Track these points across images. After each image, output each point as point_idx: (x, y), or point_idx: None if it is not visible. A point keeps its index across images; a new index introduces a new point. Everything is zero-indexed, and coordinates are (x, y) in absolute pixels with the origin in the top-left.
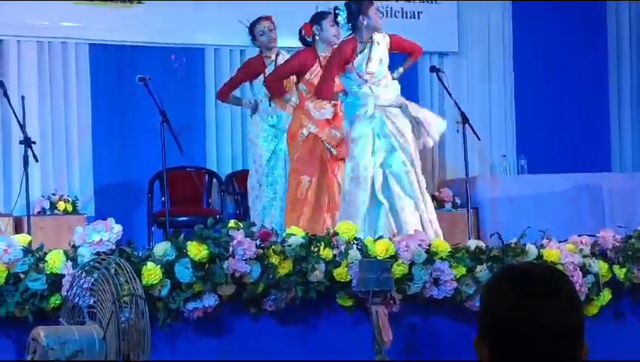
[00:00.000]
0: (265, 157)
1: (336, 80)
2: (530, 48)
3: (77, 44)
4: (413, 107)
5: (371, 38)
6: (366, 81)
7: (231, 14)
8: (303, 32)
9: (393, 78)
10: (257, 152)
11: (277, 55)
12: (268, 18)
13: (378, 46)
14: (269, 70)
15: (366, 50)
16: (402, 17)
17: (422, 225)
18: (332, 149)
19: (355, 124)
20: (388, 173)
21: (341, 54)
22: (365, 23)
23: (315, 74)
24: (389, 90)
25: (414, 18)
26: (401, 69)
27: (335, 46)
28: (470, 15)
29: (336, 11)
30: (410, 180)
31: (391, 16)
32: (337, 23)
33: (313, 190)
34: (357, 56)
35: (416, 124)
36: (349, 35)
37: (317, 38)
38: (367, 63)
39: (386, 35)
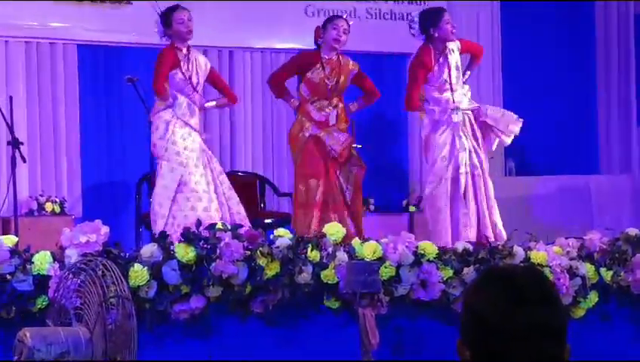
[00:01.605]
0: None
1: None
2: (519, 49)
3: (65, 45)
4: (485, 109)
5: (446, 46)
6: (446, 88)
7: (219, 15)
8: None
9: (464, 83)
10: None
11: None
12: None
13: (453, 53)
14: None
15: (442, 59)
16: (391, 19)
17: (489, 229)
18: (335, 153)
19: (437, 129)
20: (464, 175)
21: (421, 64)
22: (436, 34)
23: (317, 73)
24: (464, 94)
25: (403, 20)
26: (468, 72)
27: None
28: (459, 16)
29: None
30: (479, 184)
31: (380, 18)
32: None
33: (321, 192)
34: (435, 64)
35: (486, 128)
36: (424, 44)
37: (322, 41)
38: (442, 71)
39: (456, 40)
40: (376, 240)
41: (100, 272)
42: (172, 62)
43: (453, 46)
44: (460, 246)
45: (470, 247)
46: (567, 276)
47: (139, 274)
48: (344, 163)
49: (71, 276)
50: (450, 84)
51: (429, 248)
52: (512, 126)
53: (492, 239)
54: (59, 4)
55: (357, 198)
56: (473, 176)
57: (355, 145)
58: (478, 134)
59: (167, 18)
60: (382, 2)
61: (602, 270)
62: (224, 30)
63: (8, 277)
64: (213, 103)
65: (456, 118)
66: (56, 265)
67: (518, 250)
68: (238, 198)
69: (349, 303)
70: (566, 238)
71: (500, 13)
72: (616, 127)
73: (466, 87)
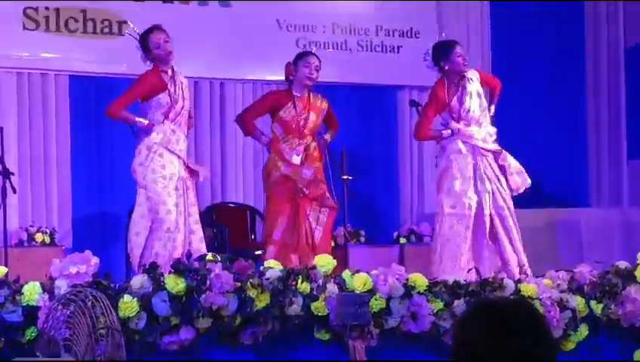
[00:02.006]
0: None
1: (313, 116)
2: (509, 84)
3: (57, 76)
4: (503, 156)
5: (463, 76)
6: (463, 119)
7: (211, 47)
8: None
9: (490, 120)
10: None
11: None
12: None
13: (472, 82)
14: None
15: (461, 89)
16: (382, 51)
17: (517, 268)
18: (304, 189)
19: (454, 160)
20: (488, 216)
21: (435, 98)
22: (447, 67)
23: (288, 111)
24: (486, 130)
25: (394, 52)
26: (492, 108)
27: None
28: (448, 17)
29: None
30: (509, 224)
31: (371, 51)
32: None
33: (281, 230)
34: (452, 95)
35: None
36: (439, 77)
37: (293, 77)
38: (463, 101)
39: (474, 70)
40: (367, 272)
41: (89, 303)
42: (156, 87)
43: (472, 75)
44: (450, 278)
45: (461, 280)
46: (558, 309)
47: (128, 305)
48: (315, 200)
49: (60, 307)
50: (473, 114)
51: (420, 280)
52: (521, 186)
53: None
54: (51, 35)
55: (326, 239)
56: (501, 217)
57: (346, 177)
58: (501, 177)
59: (144, 42)
60: (373, 35)
61: (592, 303)
62: (215, 61)
63: None
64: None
65: (466, 150)
66: (46, 296)
67: (509, 283)
68: (202, 235)
69: (339, 335)
70: (556, 271)
71: (490, 47)
72: (607, 161)
73: (493, 129)
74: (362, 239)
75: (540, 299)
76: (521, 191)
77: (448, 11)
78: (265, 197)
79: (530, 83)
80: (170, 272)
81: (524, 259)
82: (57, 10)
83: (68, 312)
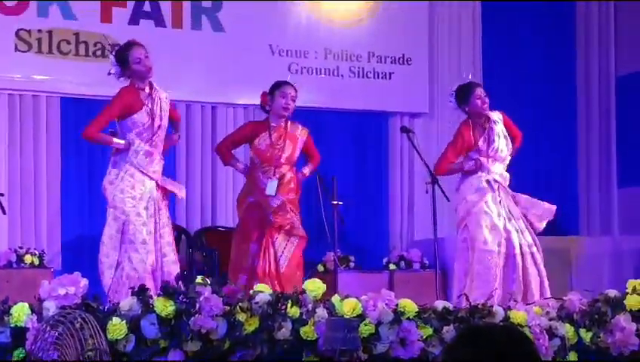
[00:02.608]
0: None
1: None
2: (501, 109)
3: (48, 98)
4: (519, 198)
5: (488, 117)
6: (491, 157)
7: (202, 71)
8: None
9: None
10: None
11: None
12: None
13: (497, 123)
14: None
15: (487, 129)
16: (374, 78)
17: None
18: (270, 217)
19: (482, 196)
20: (519, 256)
21: (460, 138)
22: (467, 109)
23: (262, 140)
24: (505, 172)
25: (386, 79)
26: (509, 157)
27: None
28: (442, 76)
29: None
30: (537, 260)
31: (363, 77)
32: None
33: (251, 257)
34: (479, 136)
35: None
36: (465, 119)
37: (269, 107)
38: (492, 140)
39: (498, 112)
40: (356, 298)
41: (78, 325)
42: (133, 105)
43: (496, 117)
44: (439, 304)
45: (450, 306)
46: (547, 336)
47: (117, 327)
48: (283, 229)
49: (49, 328)
50: (501, 153)
51: (409, 306)
52: (545, 217)
53: None
54: (43, 57)
55: (294, 266)
56: (531, 254)
57: (336, 203)
58: (521, 216)
59: (122, 57)
60: (365, 61)
61: (582, 331)
62: (208, 85)
63: None
64: (178, 133)
65: (504, 196)
66: (35, 317)
67: (498, 310)
68: (175, 258)
69: (328, 360)
70: (545, 299)
71: (482, 74)
72: (597, 189)
73: (507, 175)
74: (352, 265)
75: (530, 327)
76: (548, 219)
77: (440, 38)
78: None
79: (520, 110)
80: (158, 295)
81: (548, 294)
82: (50, 32)
83: (56, 334)
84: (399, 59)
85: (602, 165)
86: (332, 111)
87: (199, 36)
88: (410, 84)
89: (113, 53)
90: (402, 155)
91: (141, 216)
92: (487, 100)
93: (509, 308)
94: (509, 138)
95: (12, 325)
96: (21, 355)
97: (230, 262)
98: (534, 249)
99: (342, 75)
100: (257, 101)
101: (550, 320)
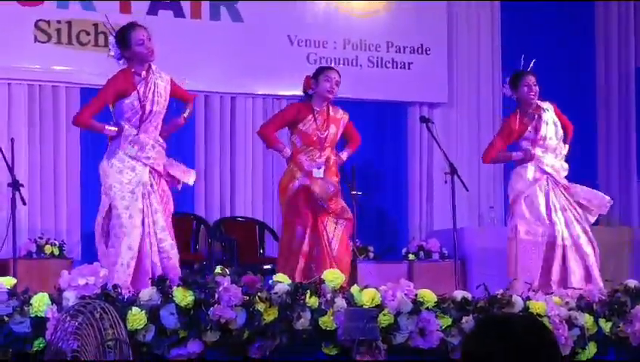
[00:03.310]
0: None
1: (334, 129)
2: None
3: (67, 88)
4: (573, 191)
5: (538, 106)
6: (540, 146)
7: (222, 61)
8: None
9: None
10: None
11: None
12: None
13: (548, 111)
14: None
15: (535, 117)
16: (393, 67)
17: None
18: (323, 203)
19: (529, 186)
20: (562, 244)
21: (506, 128)
22: (516, 97)
23: (309, 124)
24: (560, 163)
25: (405, 68)
26: (567, 147)
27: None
28: (461, 66)
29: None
30: (585, 251)
31: (381, 67)
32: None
33: (307, 242)
34: (526, 124)
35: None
36: (514, 109)
37: (313, 91)
38: (539, 128)
39: (548, 103)
40: (375, 288)
41: (97, 315)
42: (124, 90)
43: (546, 106)
44: (458, 294)
45: (469, 296)
46: (566, 326)
47: (137, 317)
48: (332, 214)
49: (69, 318)
50: (550, 142)
51: (428, 296)
52: (603, 209)
53: None
54: (62, 48)
55: (344, 249)
56: (576, 245)
57: (355, 193)
58: (575, 206)
59: (123, 38)
60: (384, 51)
61: (601, 321)
62: (226, 76)
63: (6, 318)
64: (188, 112)
65: (539, 175)
66: (55, 307)
67: (517, 300)
68: (173, 242)
69: (347, 350)
70: (565, 289)
71: (501, 64)
72: (616, 180)
73: (566, 165)
74: (371, 255)
75: (549, 317)
76: (604, 211)
77: (459, 27)
78: (281, 210)
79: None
80: (178, 285)
81: (601, 285)
82: (69, 23)
83: (76, 324)
84: (418, 49)
85: (621, 155)
86: (351, 102)
87: (218, 27)
88: (429, 73)
89: (114, 34)
90: (421, 145)
91: (125, 199)
92: (536, 89)
93: (529, 299)
94: (559, 127)
95: (32, 315)
96: (41, 345)
97: (281, 247)
98: (582, 240)
99: (360, 65)
100: (276, 91)
101: (570, 310)
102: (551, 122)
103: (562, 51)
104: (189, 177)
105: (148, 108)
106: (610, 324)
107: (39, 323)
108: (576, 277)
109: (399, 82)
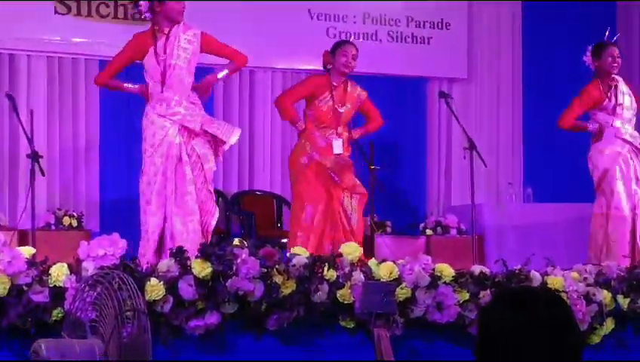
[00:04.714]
0: None
1: (349, 107)
2: (541, 76)
3: (87, 60)
4: None
5: (613, 77)
6: (618, 116)
7: (241, 35)
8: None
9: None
10: None
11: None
12: None
13: (621, 83)
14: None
15: (613, 88)
16: (412, 42)
17: None
18: (336, 178)
19: (614, 161)
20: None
21: (586, 94)
22: (597, 64)
23: (325, 101)
24: (634, 131)
25: (424, 43)
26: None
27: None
28: (480, 41)
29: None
30: None
31: (401, 41)
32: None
33: (319, 218)
34: (608, 91)
35: None
36: (594, 77)
37: (331, 66)
38: (617, 97)
39: (619, 78)
40: (393, 261)
41: (116, 285)
42: (142, 49)
43: (619, 78)
44: (476, 269)
45: (487, 271)
46: (584, 302)
47: (155, 288)
48: (347, 188)
49: (87, 288)
50: (627, 112)
51: (446, 270)
52: None
53: None
54: (81, 20)
55: (361, 223)
56: None
57: (374, 168)
58: None
59: None
60: (403, 26)
61: (619, 297)
62: (246, 49)
63: (25, 288)
64: (225, 72)
65: (621, 148)
66: (73, 278)
67: (535, 275)
68: (194, 206)
69: (364, 323)
70: (583, 264)
71: (521, 40)
72: None
73: (637, 134)
74: (388, 230)
75: (567, 292)
76: None
77: (479, 3)
78: (291, 184)
79: (562, 72)
80: (196, 256)
81: None
82: None
83: (95, 294)
84: (438, 23)
85: None
86: (370, 76)
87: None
88: (449, 49)
89: None
90: (440, 121)
91: (158, 164)
92: (619, 61)
93: (546, 274)
94: (633, 98)
95: (51, 285)
96: (60, 315)
97: (292, 225)
98: None
99: (380, 40)
100: (295, 65)
101: (588, 285)
102: (626, 92)
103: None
104: (233, 135)
105: (168, 61)
106: (628, 300)
107: (58, 293)
108: None
109: (418, 57)
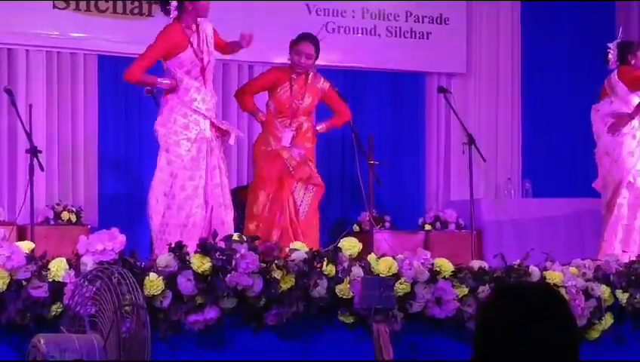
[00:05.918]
0: None
1: (309, 98)
2: (539, 71)
3: (86, 55)
4: None
5: None
6: None
7: (239, 30)
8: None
9: None
10: None
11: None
12: None
13: None
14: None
15: None
16: (411, 37)
17: None
18: (290, 169)
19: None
20: None
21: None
22: (633, 62)
23: (284, 92)
24: None
25: (423, 38)
26: None
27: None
28: (479, 36)
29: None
30: None
31: (400, 36)
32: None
33: (268, 206)
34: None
35: None
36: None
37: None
38: None
39: None
40: (392, 257)
41: (115, 280)
42: (178, 44)
43: None
44: (475, 264)
45: (486, 266)
46: (583, 297)
47: (154, 283)
48: (302, 180)
49: (86, 283)
50: None
51: (445, 265)
52: None
53: None
54: (80, 14)
55: (312, 216)
56: None
57: (372, 162)
58: None
59: None
60: (402, 21)
61: (618, 292)
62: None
63: (24, 283)
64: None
65: None
66: (72, 272)
67: (534, 270)
68: (225, 207)
69: (363, 318)
70: (582, 259)
71: (520, 35)
72: None
73: None
74: (387, 225)
75: (566, 287)
76: None
77: None
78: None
79: (561, 68)
80: (196, 251)
81: None
82: None
83: (94, 289)
84: (437, 19)
85: None
86: (369, 71)
87: None
88: (448, 44)
89: None
90: (439, 116)
91: (197, 160)
92: None
93: (545, 269)
94: None
95: (50, 280)
96: (59, 309)
97: (247, 210)
98: None
99: (379, 35)
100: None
101: (586, 280)
102: None
103: (583, 22)
104: (238, 133)
105: (206, 59)
106: (627, 295)
107: (57, 287)
108: None
109: (417, 52)
